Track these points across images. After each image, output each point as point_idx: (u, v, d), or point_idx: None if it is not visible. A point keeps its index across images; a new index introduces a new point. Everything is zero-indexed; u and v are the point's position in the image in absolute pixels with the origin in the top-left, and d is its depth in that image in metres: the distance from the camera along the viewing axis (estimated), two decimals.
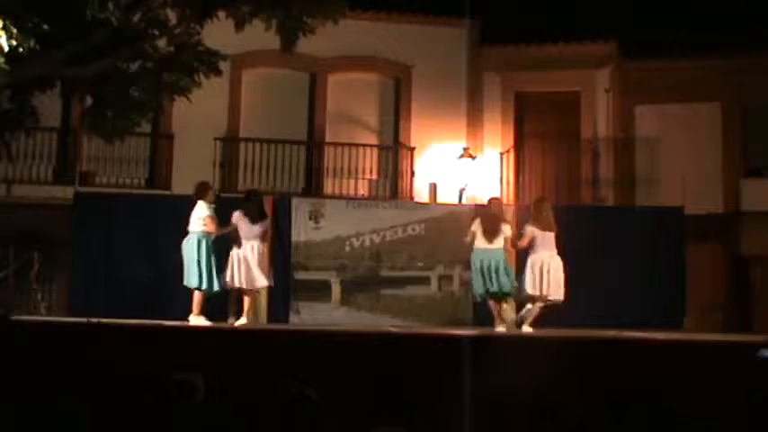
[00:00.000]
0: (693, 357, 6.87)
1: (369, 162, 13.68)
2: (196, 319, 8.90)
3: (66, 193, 11.76)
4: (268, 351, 6.92)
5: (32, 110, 8.40)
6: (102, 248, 10.72)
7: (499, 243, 9.18)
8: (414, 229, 11.45)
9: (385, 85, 14.53)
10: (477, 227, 9.28)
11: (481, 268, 9.17)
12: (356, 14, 11.93)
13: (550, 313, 9.21)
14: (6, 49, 6.98)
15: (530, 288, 9.03)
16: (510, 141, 14.09)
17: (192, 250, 8.95)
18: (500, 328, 9.17)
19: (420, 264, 11.39)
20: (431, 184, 13.80)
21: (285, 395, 3.94)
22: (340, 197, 12.89)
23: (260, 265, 9.18)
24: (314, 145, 13.91)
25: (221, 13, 8.44)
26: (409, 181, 13.84)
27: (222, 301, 9.26)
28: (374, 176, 13.72)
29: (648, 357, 6.94)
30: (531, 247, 9.13)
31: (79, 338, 7.06)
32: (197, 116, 11.62)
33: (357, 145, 13.73)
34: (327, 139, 13.92)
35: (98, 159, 12.80)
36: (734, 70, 13.30)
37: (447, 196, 13.53)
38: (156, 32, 8.47)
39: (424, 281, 11.35)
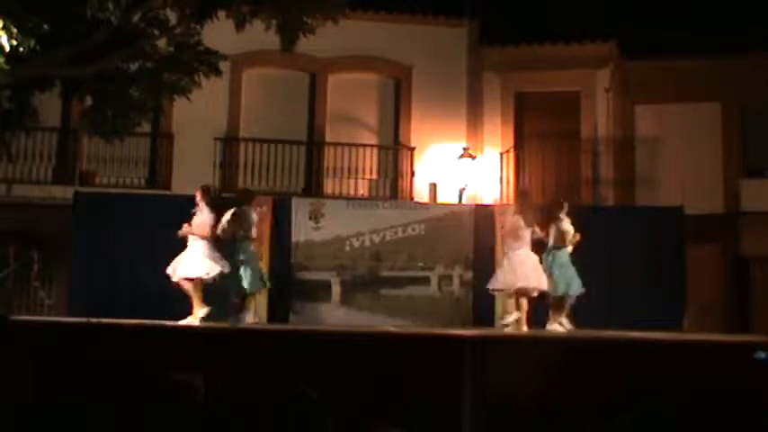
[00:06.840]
0: (693, 357, 6.87)
1: (369, 162, 13.68)
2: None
3: (66, 193, 11.75)
4: (268, 351, 6.93)
5: (32, 110, 8.39)
6: (102, 248, 10.70)
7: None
8: (414, 229, 11.43)
9: (385, 85, 14.51)
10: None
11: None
12: (356, 14, 11.93)
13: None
14: (6, 49, 6.98)
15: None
16: (510, 141, 14.08)
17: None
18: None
19: (420, 264, 11.38)
20: (431, 184, 13.79)
21: (285, 395, 3.93)
22: (340, 197, 12.89)
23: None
24: (314, 145, 13.89)
25: (221, 13, 8.44)
26: (409, 181, 13.83)
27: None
28: (374, 176, 13.72)
29: (648, 357, 6.94)
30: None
31: (79, 338, 7.06)
32: (197, 116, 11.63)
33: (357, 145, 13.72)
34: (327, 139, 13.91)
35: (98, 159, 12.81)
36: (734, 70, 13.29)
37: (447, 196, 13.52)
38: (156, 32, 8.48)
39: (424, 281, 11.34)
